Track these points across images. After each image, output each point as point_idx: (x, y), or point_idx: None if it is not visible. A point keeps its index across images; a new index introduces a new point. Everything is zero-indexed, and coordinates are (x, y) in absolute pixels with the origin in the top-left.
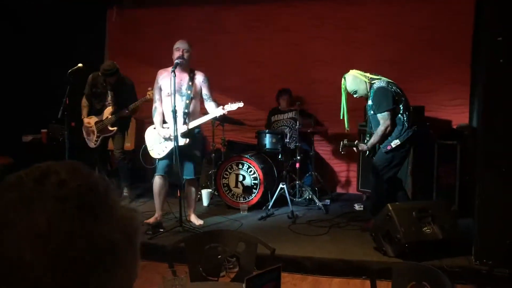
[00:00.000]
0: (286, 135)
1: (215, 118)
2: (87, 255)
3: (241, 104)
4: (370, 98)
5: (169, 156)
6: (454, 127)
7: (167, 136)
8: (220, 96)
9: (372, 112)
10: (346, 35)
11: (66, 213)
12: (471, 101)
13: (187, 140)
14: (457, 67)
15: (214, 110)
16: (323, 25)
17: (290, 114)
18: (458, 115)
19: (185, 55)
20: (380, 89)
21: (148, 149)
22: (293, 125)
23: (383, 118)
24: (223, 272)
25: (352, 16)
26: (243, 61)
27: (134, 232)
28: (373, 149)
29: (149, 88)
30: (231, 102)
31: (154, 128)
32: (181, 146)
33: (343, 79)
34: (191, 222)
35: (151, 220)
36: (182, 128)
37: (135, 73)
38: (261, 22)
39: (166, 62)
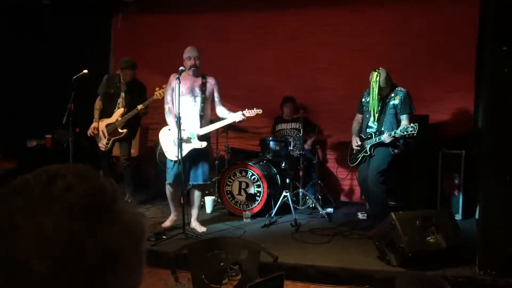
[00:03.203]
0: (290, 143)
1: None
2: (93, 260)
3: (260, 111)
4: (399, 98)
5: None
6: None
7: (184, 137)
8: (224, 103)
9: (393, 111)
10: (350, 43)
11: (73, 218)
12: (476, 109)
13: (205, 143)
14: (461, 75)
15: (231, 115)
16: (328, 33)
17: (294, 125)
18: (463, 124)
19: (197, 62)
20: (409, 93)
21: (164, 150)
22: (297, 135)
23: (408, 119)
24: (225, 279)
25: (357, 23)
26: (247, 68)
27: (140, 237)
28: (369, 152)
29: (157, 88)
30: (249, 108)
31: (169, 130)
32: (198, 149)
33: (375, 73)
34: (193, 229)
35: (167, 223)
36: (200, 131)
37: (140, 80)
38: (265, 29)
39: (171, 68)
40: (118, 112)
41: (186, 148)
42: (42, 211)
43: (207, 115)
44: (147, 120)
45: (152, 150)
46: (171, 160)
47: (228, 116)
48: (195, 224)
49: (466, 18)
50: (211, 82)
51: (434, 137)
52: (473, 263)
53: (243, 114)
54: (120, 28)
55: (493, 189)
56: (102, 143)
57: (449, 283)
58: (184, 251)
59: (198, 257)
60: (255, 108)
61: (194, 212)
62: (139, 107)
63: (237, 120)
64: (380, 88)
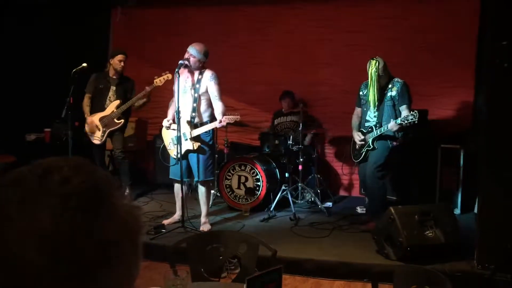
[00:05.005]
0: (290, 137)
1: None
2: (89, 253)
3: (238, 117)
4: (396, 89)
5: (182, 159)
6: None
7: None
8: (223, 97)
9: (391, 103)
10: (349, 38)
11: (69, 211)
12: (475, 105)
13: (197, 144)
14: (461, 71)
15: (215, 119)
16: (327, 28)
17: (293, 117)
18: (462, 119)
19: (191, 59)
20: (406, 83)
21: (167, 148)
22: (297, 128)
23: (407, 109)
24: (224, 272)
25: (356, 18)
26: (246, 62)
27: (136, 230)
28: (372, 146)
29: (155, 76)
30: (228, 114)
31: (169, 129)
32: (190, 150)
33: (374, 61)
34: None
35: (168, 221)
36: (191, 133)
37: (139, 73)
38: (265, 23)
39: (170, 62)
40: (113, 104)
41: (183, 148)
42: (38, 204)
43: (204, 113)
44: (147, 114)
45: (151, 143)
46: (173, 157)
47: (216, 117)
48: (202, 221)
49: (467, 13)
50: (206, 76)
51: (433, 132)
52: (471, 257)
53: (221, 121)
54: (119, 21)
55: (492, 184)
56: (97, 136)
57: (447, 277)
58: (183, 245)
59: (197, 250)
60: (232, 115)
61: (202, 209)
62: (135, 99)
63: (217, 126)
64: (379, 76)
